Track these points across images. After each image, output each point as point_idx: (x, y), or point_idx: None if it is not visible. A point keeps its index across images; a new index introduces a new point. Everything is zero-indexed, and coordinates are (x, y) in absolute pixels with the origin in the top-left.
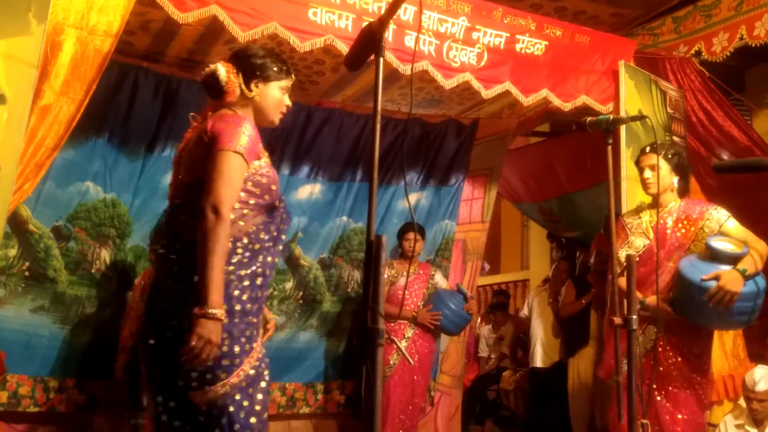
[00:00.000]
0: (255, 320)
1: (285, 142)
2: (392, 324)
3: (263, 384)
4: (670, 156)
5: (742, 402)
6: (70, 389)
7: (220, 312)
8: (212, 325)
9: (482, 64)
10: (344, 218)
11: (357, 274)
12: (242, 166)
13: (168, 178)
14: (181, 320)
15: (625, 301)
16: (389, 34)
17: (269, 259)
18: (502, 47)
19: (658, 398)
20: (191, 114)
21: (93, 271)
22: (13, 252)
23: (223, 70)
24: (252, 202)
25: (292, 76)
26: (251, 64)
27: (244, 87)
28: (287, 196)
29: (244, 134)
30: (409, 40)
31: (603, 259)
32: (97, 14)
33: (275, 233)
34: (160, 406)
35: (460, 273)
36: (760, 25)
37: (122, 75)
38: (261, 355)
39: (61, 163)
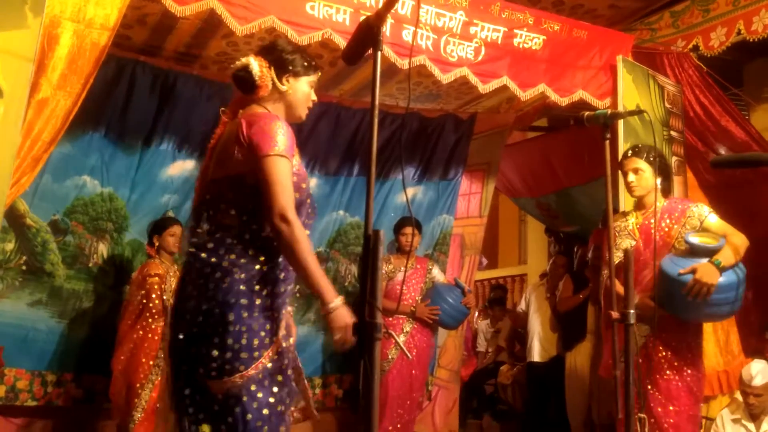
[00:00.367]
0: (277, 314)
1: None
2: (390, 319)
3: (281, 377)
4: (652, 158)
5: (739, 396)
6: (67, 383)
7: (338, 300)
8: (339, 313)
9: (480, 58)
10: (341, 212)
11: (354, 268)
12: (288, 165)
13: (165, 172)
14: (207, 317)
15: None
16: (387, 29)
17: None
18: (499, 42)
19: (651, 391)
20: (221, 109)
21: (90, 265)
22: (10, 246)
23: (255, 63)
24: None
25: (319, 72)
26: (283, 59)
27: (276, 81)
28: None
29: (282, 134)
30: (407, 35)
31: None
32: (94, 7)
33: None
34: (187, 398)
35: (458, 267)
36: (758, 19)
37: (119, 69)
38: (283, 350)
39: (58, 157)
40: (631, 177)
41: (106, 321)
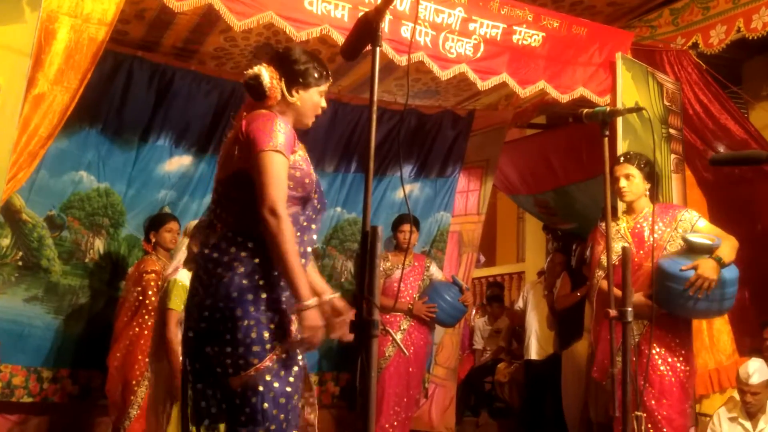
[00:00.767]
0: (285, 307)
1: None
2: (387, 316)
3: (296, 368)
4: (642, 165)
5: (736, 395)
6: (63, 379)
7: (313, 301)
8: (311, 314)
9: (479, 55)
10: (338, 209)
11: (350, 265)
12: (284, 162)
13: (162, 168)
14: (213, 312)
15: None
16: (385, 25)
17: (300, 250)
18: (498, 38)
19: (644, 386)
20: (231, 113)
21: (86, 260)
22: (6, 241)
23: (266, 74)
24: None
25: (330, 80)
26: (294, 71)
27: (286, 92)
28: None
29: (280, 132)
30: (405, 31)
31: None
32: (92, 2)
33: (305, 223)
34: (200, 393)
35: (455, 265)
36: (758, 17)
37: (117, 64)
38: (296, 339)
39: (55, 153)
40: (623, 183)
41: (102, 317)
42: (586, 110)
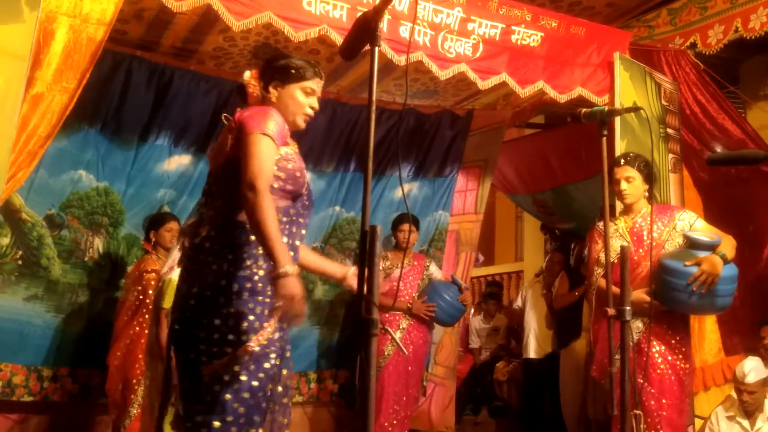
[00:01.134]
0: (268, 300)
1: None
2: (387, 315)
3: (267, 365)
4: (642, 167)
5: (733, 393)
6: (63, 378)
7: (292, 269)
8: (289, 282)
9: (478, 55)
10: (336, 208)
11: (349, 263)
12: (271, 145)
13: (161, 167)
14: (200, 301)
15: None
16: (384, 25)
17: (287, 240)
18: (497, 38)
19: (644, 385)
20: (224, 115)
21: (86, 259)
22: (6, 241)
23: (247, 73)
24: (276, 186)
25: (318, 78)
26: (272, 68)
27: (262, 90)
28: None
29: (272, 120)
30: (404, 31)
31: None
32: (91, 2)
33: (294, 217)
34: (177, 388)
35: (453, 264)
36: (756, 17)
37: (116, 64)
38: (273, 338)
39: (54, 152)
40: (624, 185)
41: (101, 315)
42: (584, 110)
